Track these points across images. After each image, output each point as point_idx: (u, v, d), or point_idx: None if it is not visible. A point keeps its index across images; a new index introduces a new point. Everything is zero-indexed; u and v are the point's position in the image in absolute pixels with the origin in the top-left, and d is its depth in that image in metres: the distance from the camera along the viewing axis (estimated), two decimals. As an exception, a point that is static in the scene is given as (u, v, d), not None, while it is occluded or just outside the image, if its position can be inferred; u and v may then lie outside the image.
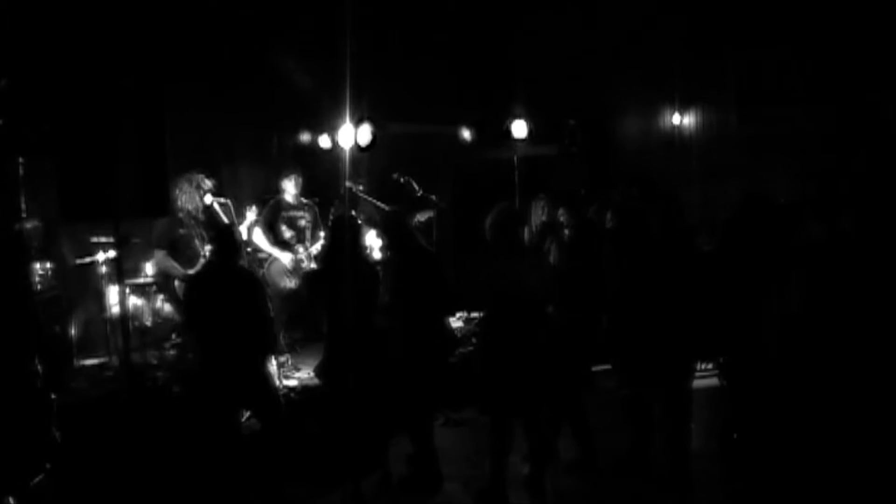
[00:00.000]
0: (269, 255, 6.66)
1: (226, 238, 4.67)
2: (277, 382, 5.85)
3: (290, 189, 6.72)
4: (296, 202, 6.76)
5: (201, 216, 5.90)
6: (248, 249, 6.50)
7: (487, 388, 4.60)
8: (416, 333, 4.75)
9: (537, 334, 4.49)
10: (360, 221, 6.86)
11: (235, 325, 4.47)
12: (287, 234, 6.72)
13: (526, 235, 5.81)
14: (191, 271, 5.68)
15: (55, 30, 5.55)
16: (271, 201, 6.77)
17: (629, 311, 4.77)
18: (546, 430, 4.89)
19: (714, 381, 5.24)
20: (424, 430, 4.88)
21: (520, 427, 4.63)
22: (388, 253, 4.99)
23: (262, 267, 6.67)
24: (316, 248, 6.74)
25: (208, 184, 5.89)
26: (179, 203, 5.71)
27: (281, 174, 6.86)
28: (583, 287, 4.93)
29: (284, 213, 6.71)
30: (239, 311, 4.49)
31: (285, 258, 6.66)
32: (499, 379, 4.51)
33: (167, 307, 5.92)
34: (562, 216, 5.74)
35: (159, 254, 5.73)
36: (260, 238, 6.57)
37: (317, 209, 6.93)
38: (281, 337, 6.69)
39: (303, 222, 6.76)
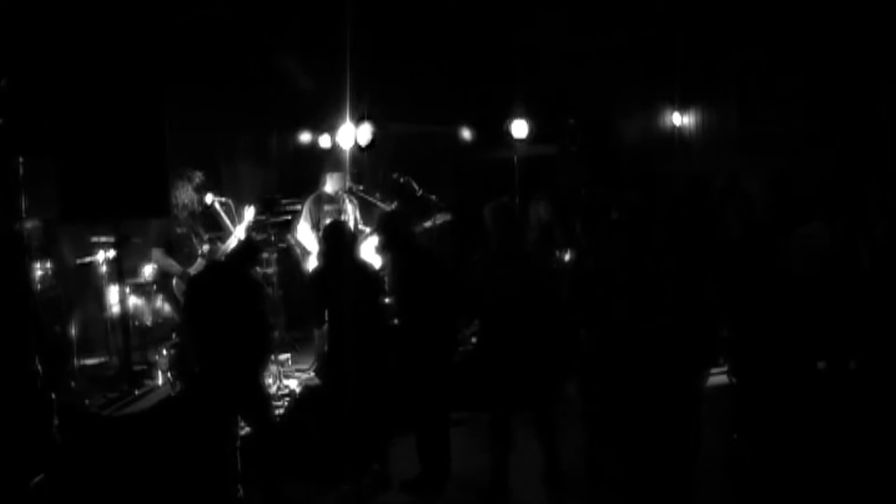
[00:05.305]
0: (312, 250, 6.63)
1: (251, 250, 4.68)
2: (277, 382, 5.86)
3: (332, 183, 6.77)
4: (335, 194, 6.79)
5: (198, 209, 5.88)
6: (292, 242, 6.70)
7: (485, 385, 4.61)
8: (419, 334, 4.74)
9: (536, 332, 4.48)
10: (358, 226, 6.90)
11: (233, 329, 4.45)
12: None
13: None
14: (190, 269, 5.68)
15: (55, 30, 5.54)
16: (312, 196, 6.77)
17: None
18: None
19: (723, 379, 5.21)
20: (439, 430, 4.85)
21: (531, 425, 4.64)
22: (387, 253, 4.97)
23: (304, 261, 6.69)
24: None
25: (201, 177, 5.87)
26: (175, 200, 5.70)
27: (325, 170, 6.89)
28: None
29: (326, 206, 6.72)
30: (238, 315, 4.48)
31: None
32: (495, 376, 4.52)
33: (167, 307, 5.92)
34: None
35: (156, 252, 5.72)
36: (306, 236, 6.61)
37: (356, 199, 6.93)
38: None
39: (345, 215, 6.74)
